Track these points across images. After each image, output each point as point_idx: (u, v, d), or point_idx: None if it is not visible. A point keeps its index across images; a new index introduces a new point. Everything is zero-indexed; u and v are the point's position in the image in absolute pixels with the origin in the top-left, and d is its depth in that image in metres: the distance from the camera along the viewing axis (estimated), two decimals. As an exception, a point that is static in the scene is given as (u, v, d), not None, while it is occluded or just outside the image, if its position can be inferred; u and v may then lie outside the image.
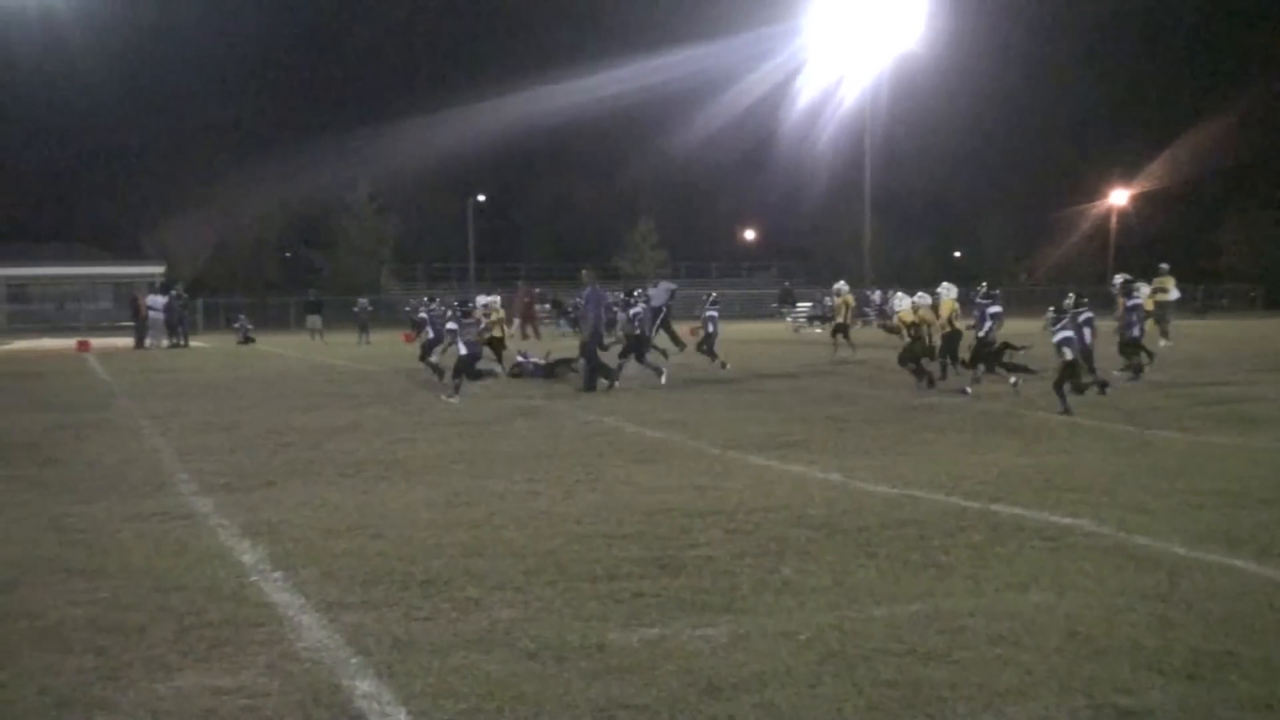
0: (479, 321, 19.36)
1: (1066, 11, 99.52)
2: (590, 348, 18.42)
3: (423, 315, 22.66)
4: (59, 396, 18.72)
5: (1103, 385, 16.06)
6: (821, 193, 76.39)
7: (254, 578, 6.62)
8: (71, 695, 4.79)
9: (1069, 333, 14.68)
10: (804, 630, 5.51)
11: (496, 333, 21.47)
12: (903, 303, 19.03)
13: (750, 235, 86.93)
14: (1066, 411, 14.02)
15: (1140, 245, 69.47)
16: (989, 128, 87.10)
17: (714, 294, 25.78)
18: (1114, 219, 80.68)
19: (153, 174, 75.07)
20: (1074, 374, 14.65)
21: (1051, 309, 15.31)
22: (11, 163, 62.47)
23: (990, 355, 17.67)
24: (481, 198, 79.82)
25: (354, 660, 5.17)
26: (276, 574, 6.70)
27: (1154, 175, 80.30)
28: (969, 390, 16.86)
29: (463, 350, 17.52)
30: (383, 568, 6.79)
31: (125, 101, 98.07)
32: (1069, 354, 14.48)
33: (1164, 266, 27.59)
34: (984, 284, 20.28)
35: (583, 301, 19.15)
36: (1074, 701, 4.63)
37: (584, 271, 20.19)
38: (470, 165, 78.64)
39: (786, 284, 60.89)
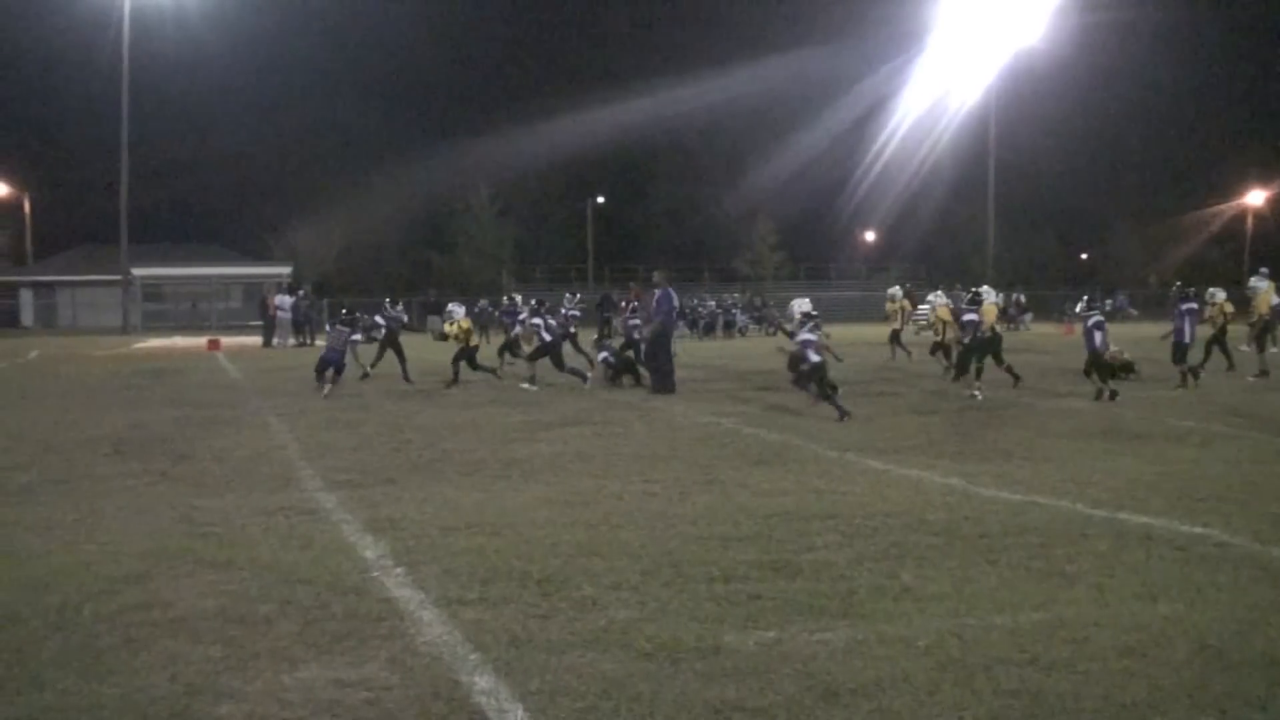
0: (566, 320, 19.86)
1: (1198, 4, 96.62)
2: (653, 349, 18.41)
3: (379, 319, 22.20)
4: (190, 393, 19.27)
5: (1112, 393, 16.16)
6: (943, 194, 75.27)
7: (376, 573, 6.74)
8: (201, 683, 4.92)
9: (1099, 317, 16.34)
10: (923, 637, 5.43)
11: (463, 341, 19.94)
12: (939, 299, 20.10)
13: (870, 237, 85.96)
14: (1101, 394, 15.86)
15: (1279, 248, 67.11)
16: (1117, 125, 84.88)
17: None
18: (1250, 220, 78.07)
19: (282, 178, 77.11)
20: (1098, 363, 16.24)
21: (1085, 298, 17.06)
22: (148, 168, 64.61)
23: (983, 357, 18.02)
24: (600, 199, 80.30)
25: (472, 657, 5.22)
26: (397, 569, 6.81)
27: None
28: (978, 395, 16.91)
29: (545, 337, 19.51)
30: (501, 565, 6.86)
31: (256, 108, 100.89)
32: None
33: (1263, 271, 26.27)
34: (973, 290, 19.99)
35: (653, 303, 19.00)
36: (1205, 717, 4.50)
37: (656, 273, 20.07)
38: (590, 166, 79.16)
39: (907, 285, 60.12)
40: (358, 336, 19.72)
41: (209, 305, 62.31)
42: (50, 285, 67.55)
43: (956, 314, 18.66)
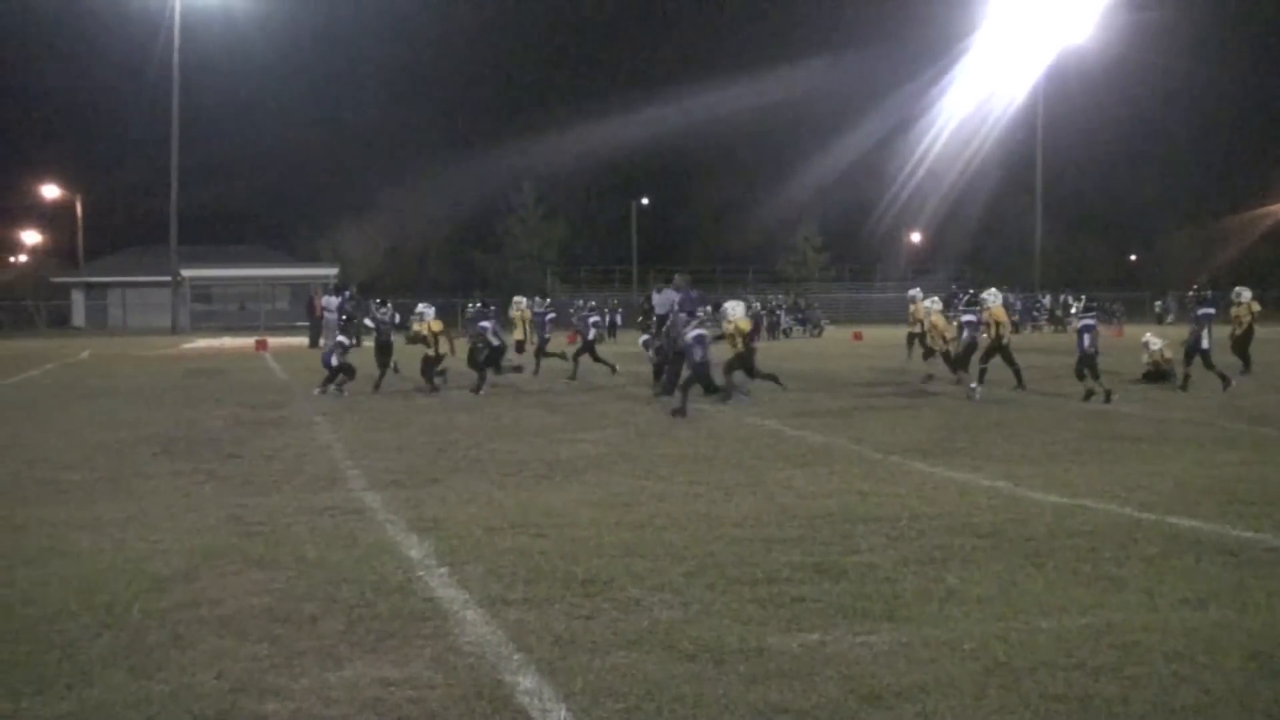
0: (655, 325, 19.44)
1: (1248, 1, 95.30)
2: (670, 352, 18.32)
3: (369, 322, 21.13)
4: (238, 393, 19.45)
5: (1107, 394, 16.19)
6: (989, 195, 74.76)
7: (420, 573, 6.77)
8: (247, 681, 4.96)
9: (1090, 321, 16.49)
10: (968, 640, 5.39)
11: (429, 349, 18.92)
12: (935, 305, 20.21)
13: (915, 238, 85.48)
14: (1091, 395, 16.09)
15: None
16: (1166, 125, 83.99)
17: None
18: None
19: (330, 179, 77.66)
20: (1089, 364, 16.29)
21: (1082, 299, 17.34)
22: (198, 170, 65.35)
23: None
24: (645, 201, 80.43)
25: (516, 657, 5.24)
26: (442, 569, 6.83)
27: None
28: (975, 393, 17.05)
29: (494, 341, 19.39)
30: (544, 566, 6.88)
31: (304, 110, 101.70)
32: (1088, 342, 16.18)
33: None
34: (970, 292, 19.88)
35: (676, 306, 18.79)
36: (1256, 724, 4.43)
37: (677, 275, 19.93)
38: (634, 168, 79.47)
39: (953, 286, 59.71)
40: (344, 340, 19.53)
41: (257, 306, 62.89)
42: (101, 286, 68.48)
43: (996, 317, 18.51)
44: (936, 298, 20.67)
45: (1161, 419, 14.35)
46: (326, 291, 46.04)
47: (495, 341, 19.59)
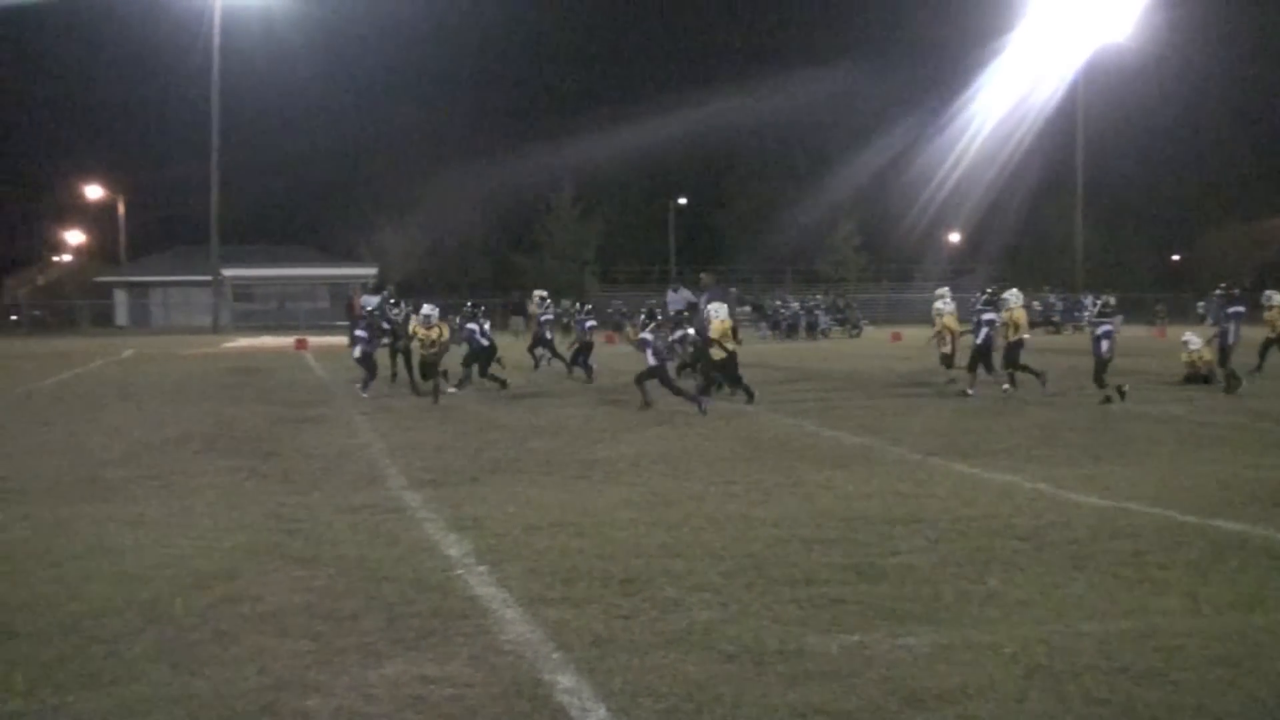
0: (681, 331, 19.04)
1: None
2: (699, 354, 18.19)
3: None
4: (279, 392, 19.59)
5: (1120, 391, 16.26)
6: (1029, 194, 74.14)
7: (459, 571, 6.79)
8: (289, 677, 5.00)
9: (1109, 326, 16.34)
10: (1010, 643, 5.35)
11: (434, 351, 18.08)
12: (948, 306, 20.18)
13: (955, 238, 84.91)
14: (1109, 399, 16.00)
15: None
16: (1210, 123, 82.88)
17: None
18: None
19: (369, 179, 77.96)
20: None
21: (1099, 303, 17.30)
22: (238, 170, 65.79)
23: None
24: (683, 200, 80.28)
25: (555, 655, 5.25)
26: (481, 568, 6.86)
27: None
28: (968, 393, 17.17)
29: (482, 343, 19.34)
30: (583, 565, 6.89)
31: (342, 111, 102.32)
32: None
33: None
34: (987, 291, 19.56)
35: (702, 305, 18.64)
36: (1303, 730, 4.38)
37: (702, 275, 19.80)
38: (673, 168, 79.28)
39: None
40: (361, 333, 19.44)
41: (296, 305, 63.30)
42: (143, 286, 69.11)
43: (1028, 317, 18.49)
44: (948, 298, 20.50)
45: (1205, 421, 14.20)
46: (365, 291, 46.33)
47: (484, 343, 19.45)
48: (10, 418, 15.75)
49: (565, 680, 4.93)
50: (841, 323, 46.58)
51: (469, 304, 21.19)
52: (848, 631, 5.57)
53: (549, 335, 24.01)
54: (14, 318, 64.64)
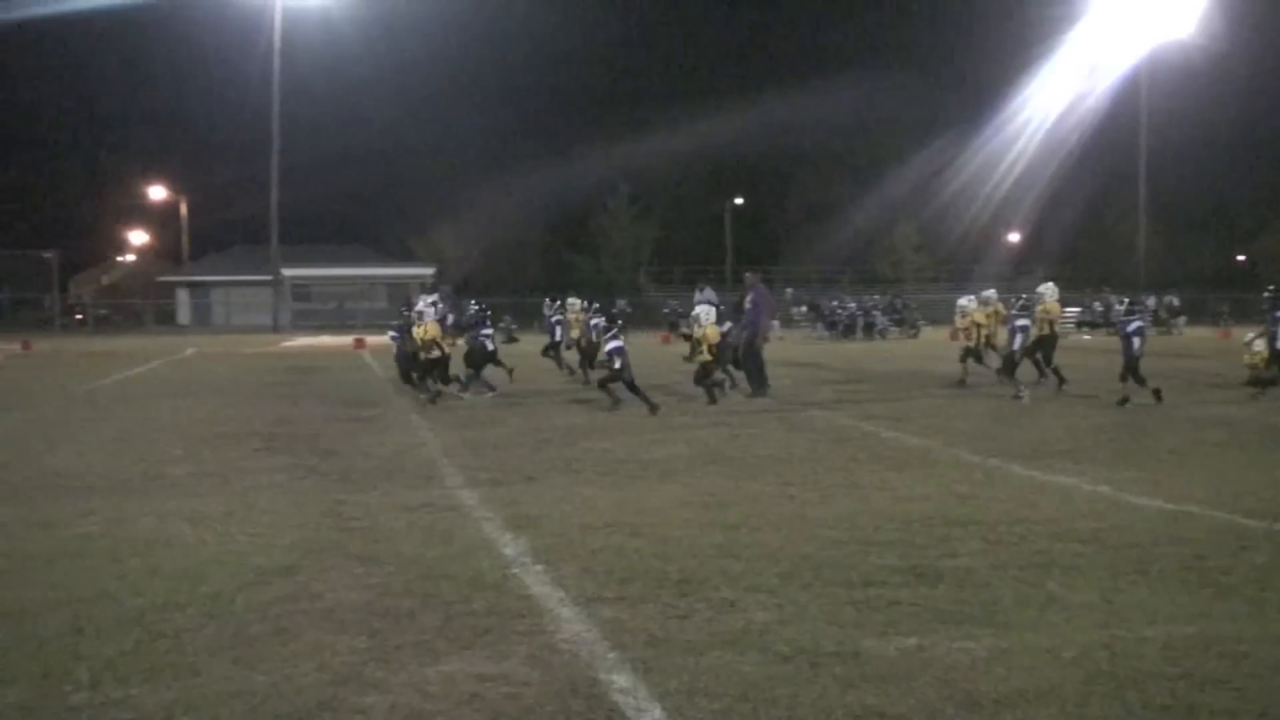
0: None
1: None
2: (748, 351, 18.14)
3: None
4: (337, 391, 19.77)
5: (1124, 399, 16.00)
6: (1089, 192, 73.25)
7: (516, 570, 6.82)
8: (347, 674, 5.04)
9: (1140, 323, 16.31)
10: (1070, 648, 5.29)
11: (433, 352, 17.54)
12: (972, 304, 20.11)
13: (1014, 237, 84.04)
14: (1125, 401, 15.80)
15: None
16: (1277, 120, 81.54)
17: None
18: None
19: (427, 179, 78.52)
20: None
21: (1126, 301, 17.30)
22: (298, 170, 66.45)
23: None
24: (739, 200, 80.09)
25: (611, 655, 5.25)
26: (537, 567, 6.88)
27: None
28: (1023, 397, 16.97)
29: (489, 346, 18.80)
30: (639, 565, 6.89)
31: (401, 112, 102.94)
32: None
33: None
34: (1023, 297, 19.20)
35: (748, 303, 18.49)
36: (1372, 739, 4.29)
37: (748, 274, 19.66)
38: (729, 168, 79.17)
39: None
40: (394, 334, 19.45)
41: (355, 305, 63.81)
42: (205, 285, 70.00)
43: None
44: (974, 296, 20.34)
45: (1268, 424, 13.96)
46: (423, 290, 46.64)
47: (490, 346, 19.06)
48: (74, 415, 16.03)
49: (621, 680, 4.94)
50: (899, 323, 46.24)
51: (477, 304, 20.45)
52: (905, 634, 5.53)
53: (559, 338, 23.69)
54: (79, 317, 65.71)
